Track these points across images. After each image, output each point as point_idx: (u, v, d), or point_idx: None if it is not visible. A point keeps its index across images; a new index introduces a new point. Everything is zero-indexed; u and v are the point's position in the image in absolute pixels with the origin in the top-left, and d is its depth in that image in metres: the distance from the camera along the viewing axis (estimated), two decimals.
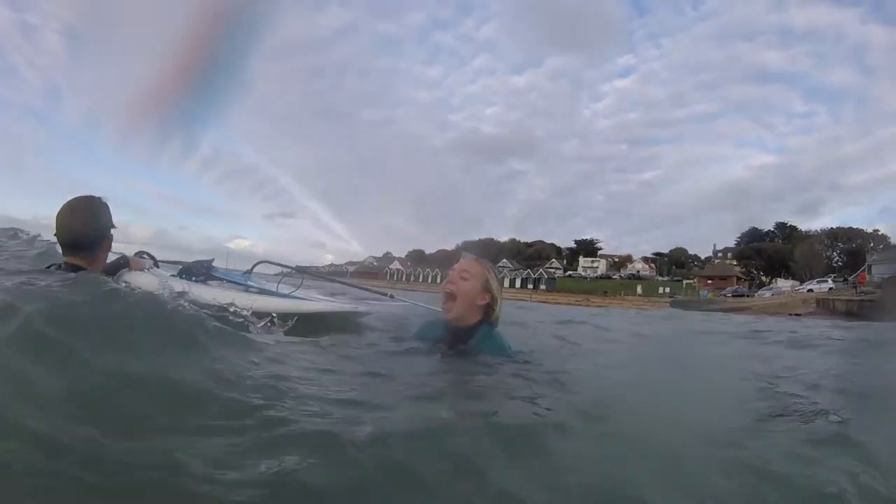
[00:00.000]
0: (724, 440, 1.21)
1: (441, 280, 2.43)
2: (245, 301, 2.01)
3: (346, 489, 0.80)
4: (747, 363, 2.93)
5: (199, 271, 2.49)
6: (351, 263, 75.58)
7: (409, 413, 1.14)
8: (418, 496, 0.83)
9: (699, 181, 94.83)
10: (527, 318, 4.68)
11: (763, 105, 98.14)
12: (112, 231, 1.94)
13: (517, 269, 63.17)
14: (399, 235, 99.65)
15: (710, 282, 52.97)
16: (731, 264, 60.09)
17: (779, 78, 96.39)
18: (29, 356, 1.00)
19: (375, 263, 73.81)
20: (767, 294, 40.55)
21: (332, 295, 3.38)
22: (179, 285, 1.98)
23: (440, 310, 2.02)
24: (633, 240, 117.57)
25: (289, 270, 3.26)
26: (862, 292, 27.89)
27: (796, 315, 22.16)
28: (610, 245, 73.19)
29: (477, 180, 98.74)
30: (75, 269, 1.81)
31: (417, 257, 71.72)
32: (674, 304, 33.96)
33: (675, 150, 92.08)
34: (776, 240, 63.28)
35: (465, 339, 1.93)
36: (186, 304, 1.54)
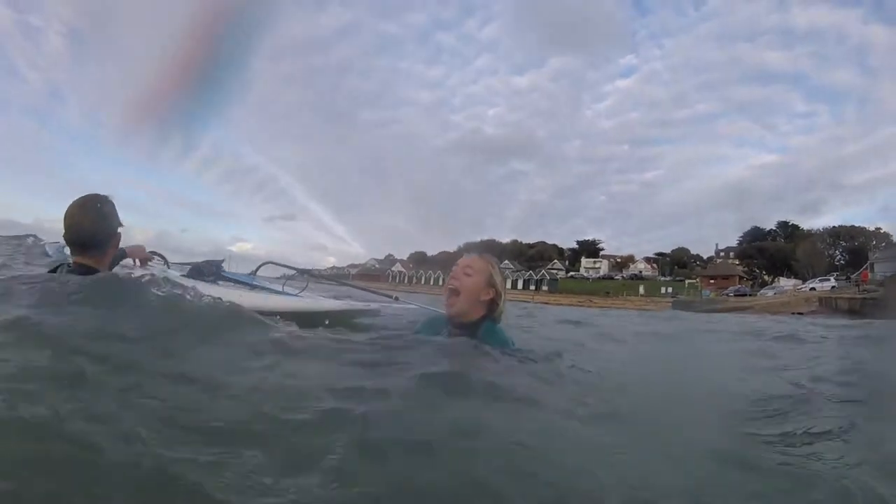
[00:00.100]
0: (725, 438, 1.22)
1: (443, 282, 2.44)
2: (259, 301, 2.03)
3: (347, 487, 0.81)
4: (748, 361, 2.94)
5: (209, 271, 2.51)
6: (353, 266, 75.42)
7: (409, 409, 1.14)
8: (419, 496, 0.83)
9: (701, 181, 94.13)
10: (529, 323, 4.70)
11: (765, 105, 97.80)
12: (119, 229, 1.93)
13: (519, 271, 62.94)
14: (401, 237, 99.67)
15: (712, 281, 52.79)
16: (733, 264, 59.81)
17: (780, 78, 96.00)
18: (86, 363, 1.06)
19: (377, 266, 73.76)
20: (770, 293, 40.37)
21: (337, 298, 3.41)
22: (190, 285, 2.00)
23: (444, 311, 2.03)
24: (635, 240, 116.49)
25: (293, 273, 3.29)
26: (864, 290, 27.77)
27: (799, 314, 22.07)
28: (612, 245, 73.10)
29: (479, 181, 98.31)
30: (85, 269, 1.80)
31: (419, 259, 71.53)
32: (675, 305, 33.84)
33: (677, 150, 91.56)
34: (778, 239, 63.00)
35: (468, 336, 1.94)
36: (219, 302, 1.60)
